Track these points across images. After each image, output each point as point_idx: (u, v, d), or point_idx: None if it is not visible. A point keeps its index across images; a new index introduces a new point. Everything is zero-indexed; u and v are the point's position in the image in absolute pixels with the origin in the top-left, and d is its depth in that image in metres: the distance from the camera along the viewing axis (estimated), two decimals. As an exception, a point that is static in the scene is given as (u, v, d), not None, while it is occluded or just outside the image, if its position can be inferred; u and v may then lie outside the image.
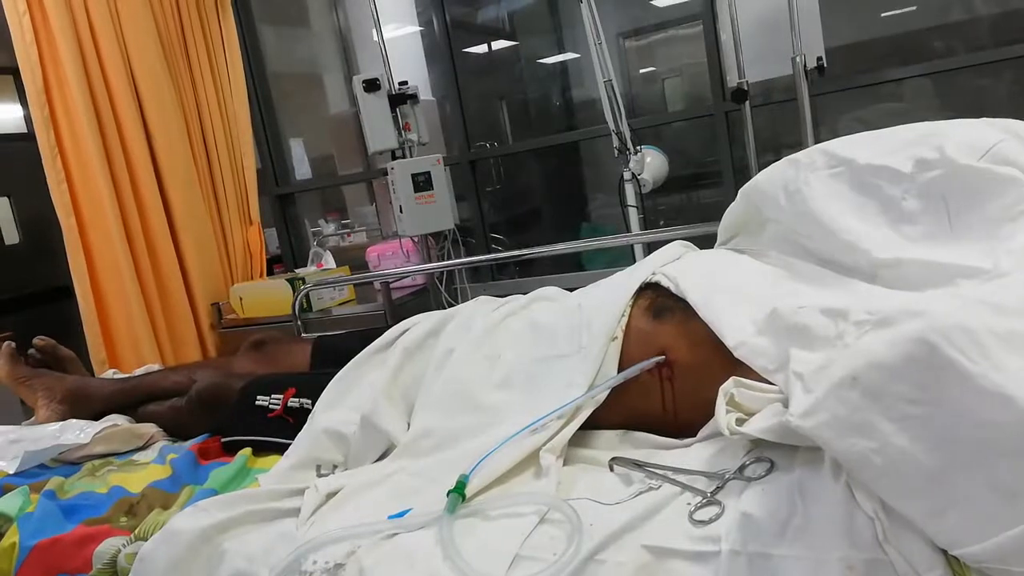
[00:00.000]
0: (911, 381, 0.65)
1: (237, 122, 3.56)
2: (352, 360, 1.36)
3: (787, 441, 0.79)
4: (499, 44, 4.87)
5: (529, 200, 4.89)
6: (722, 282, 1.11)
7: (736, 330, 1.00)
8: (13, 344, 1.70)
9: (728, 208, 1.27)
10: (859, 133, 1.07)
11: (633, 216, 2.76)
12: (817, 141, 2.39)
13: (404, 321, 1.45)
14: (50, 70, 2.92)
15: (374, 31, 4.31)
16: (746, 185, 1.20)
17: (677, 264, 1.20)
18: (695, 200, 4.04)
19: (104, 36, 3.04)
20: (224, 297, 3.45)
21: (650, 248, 2.74)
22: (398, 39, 4.38)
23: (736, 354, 0.98)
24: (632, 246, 2.78)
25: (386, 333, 1.42)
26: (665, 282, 1.16)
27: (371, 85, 2.99)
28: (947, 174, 0.89)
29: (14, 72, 3.03)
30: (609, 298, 1.18)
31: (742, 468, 0.84)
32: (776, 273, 1.12)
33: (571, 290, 1.36)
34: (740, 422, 0.86)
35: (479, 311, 1.37)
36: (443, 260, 3.20)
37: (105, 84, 3.06)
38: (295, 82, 4.40)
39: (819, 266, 1.06)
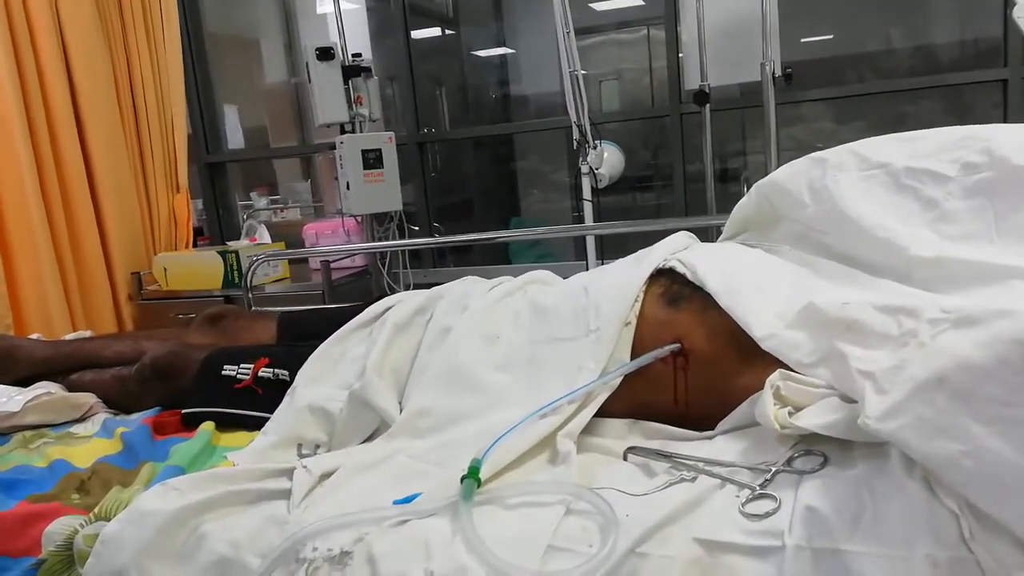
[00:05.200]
0: (1004, 382, 0.64)
1: (170, 83, 3.33)
2: (334, 334, 1.27)
3: (849, 437, 0.77)
4: (436, 32, 4.78)
5: (462, 191, 4.83)
6: (741, 273, 1.08)
7: (763, 322, 0.98)
8: None
9: (739, 203, 1.25)
10: (885, 136, 1.07)
11: (588, 210, 2.74)
12: (777, 148, 2.46)
13: (385, 299, 1.38)
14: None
15: (318, 1, 4.15)
16: (761, 181, 1.19)
17: (692, 252, 1.17)
18: (639, 201, 4.08)
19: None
20: (145, 266, 3.23)
21: (601, 241, 2.76)
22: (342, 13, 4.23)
23: (764, 346, 0.95)
24: (585, 239, 2.77)
25: (367, 310, 1.34)
26: (681, 268, 1.13)
27: (325, 54, 2.86)
28: (998, 175, 0.90)
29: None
30: (620, 282, 1.14)
31: (790, 461, 0.82)
32: (795, 269, 1.10)
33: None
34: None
35: (473, 291, 1.30)
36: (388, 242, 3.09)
37: (28, 29, 2.80)
38: (232, 46, 4.18)
39: (842, 264, 1.05)
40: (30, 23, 2.81)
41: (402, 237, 3.16)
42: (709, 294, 1.06)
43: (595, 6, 4.37)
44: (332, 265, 3.01)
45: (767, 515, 0.75)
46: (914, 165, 0.98)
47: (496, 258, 4.01)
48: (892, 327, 0.78)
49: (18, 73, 2.76)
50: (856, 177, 1.04)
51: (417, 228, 3.43)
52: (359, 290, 3.16)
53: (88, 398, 1.44)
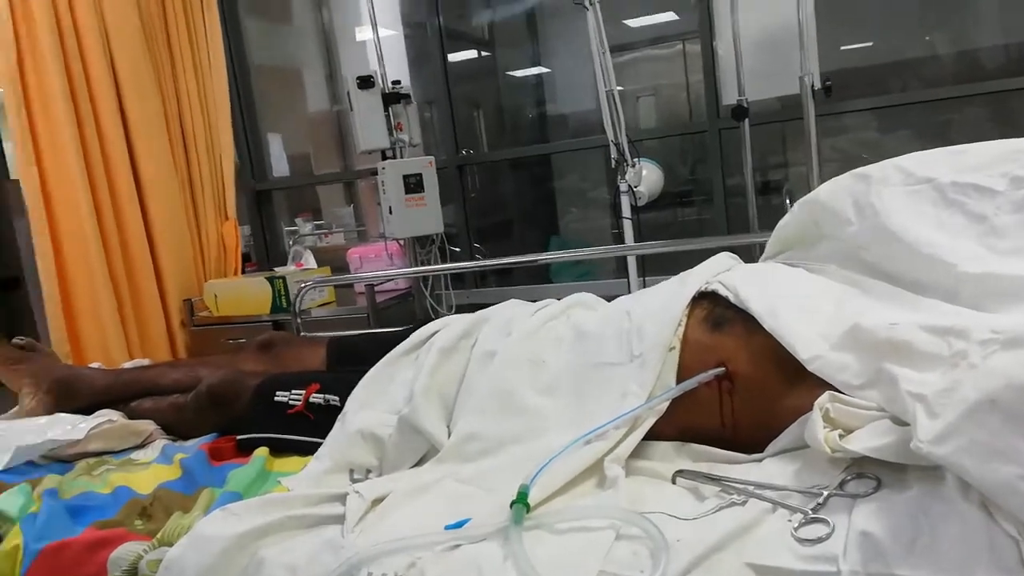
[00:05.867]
0: None
1: (217, 113, 3.44)
2: (381, 360, 1.30)
3: (901, 461, 0.77)
4: (472, 54, 4.84)
5: (502, 211, 4.86)
6: (784, 294, 1.08)
7: (809, 343, 0.97)
8: None
9: (780, 221, 1.24)
10: (931, 150, 1.06)
11: (628, 228, 2.74)
12: (818, 162, 2.44)
13: (430, 323, 1.40)
14: (26, 49, 2.78)
15: (357, 30, 4.24)
16: (804, 198, 1.18)
17: (734, 274, 1.17)
18: (679, 217, 4.05)
19: (85, 21, 2.92)
20: (197, 293, 3.32)
21: (643, 259, 2.75)
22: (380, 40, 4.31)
23: (810, 368, 0.95)
24: (626, 259, 2.77)
25: (413, 335, 1.36)
26: (723, 291, 1.13)
27: (365, 82, 2.92)
28: (1047, 190, 0.88)
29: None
30: (662, 306, 1.15)
31: (842, 485, 0.81)
32: (840, 288, 1.09)
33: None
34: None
35: (516, 314, 1.32)
36: (430, 265, 3.13)
37: (84, 70, 2.94)
38: (275, 77, 4.29)
39: (887, 283, 1.04)
40: (83, 57, 2.93)
41: (444, 259, 3.19)
42: (752, 316, 1.05)
43: (629, 22, 4.38)
44: (376, 288, 3.06)
45: (820, 540, 0.75)
46: (961, 179, 0.97)
47: (537, 278, 4.01)
48: (942, 348, 0.78)
49: (74, 109, 2.88)
50: (901, 192, 1.03)
51: (458, 249, 3.46)
52: (403, 312, 3.20)
53: (148, 425, 1.49)
